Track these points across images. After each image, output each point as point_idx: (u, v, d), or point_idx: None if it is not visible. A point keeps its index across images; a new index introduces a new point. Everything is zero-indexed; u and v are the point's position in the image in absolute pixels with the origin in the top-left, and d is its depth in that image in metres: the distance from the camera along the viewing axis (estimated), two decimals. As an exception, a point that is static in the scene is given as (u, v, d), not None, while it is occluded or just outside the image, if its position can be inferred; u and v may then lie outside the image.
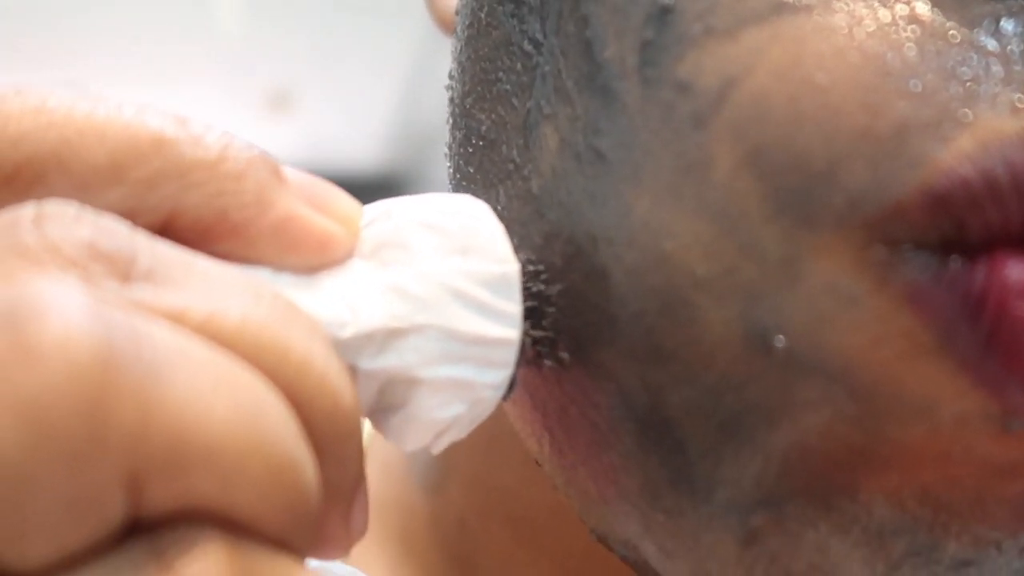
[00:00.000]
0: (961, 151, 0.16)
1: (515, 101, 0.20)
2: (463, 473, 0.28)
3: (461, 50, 0.23)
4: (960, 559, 0.18)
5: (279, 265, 0.17)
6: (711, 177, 0.17)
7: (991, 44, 0.16)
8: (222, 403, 0.13)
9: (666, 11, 0.18)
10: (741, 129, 0.17)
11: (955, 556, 0.18)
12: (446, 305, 0.17)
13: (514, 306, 0.18)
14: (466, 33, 0.22)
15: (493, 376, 0.18)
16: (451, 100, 0.23)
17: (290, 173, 0.17)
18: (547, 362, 0.20)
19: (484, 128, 0.21)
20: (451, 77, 0.23)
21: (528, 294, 0.19)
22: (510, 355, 0.18)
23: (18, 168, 0.15)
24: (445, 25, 0.29)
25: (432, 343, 0.17)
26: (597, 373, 0.19)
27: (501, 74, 0.21)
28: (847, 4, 0.17)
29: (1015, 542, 0.18)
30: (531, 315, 0.19)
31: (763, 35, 0.17)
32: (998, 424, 0.17)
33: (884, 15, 0.17)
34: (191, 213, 0.16)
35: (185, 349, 0.13)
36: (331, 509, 0.16)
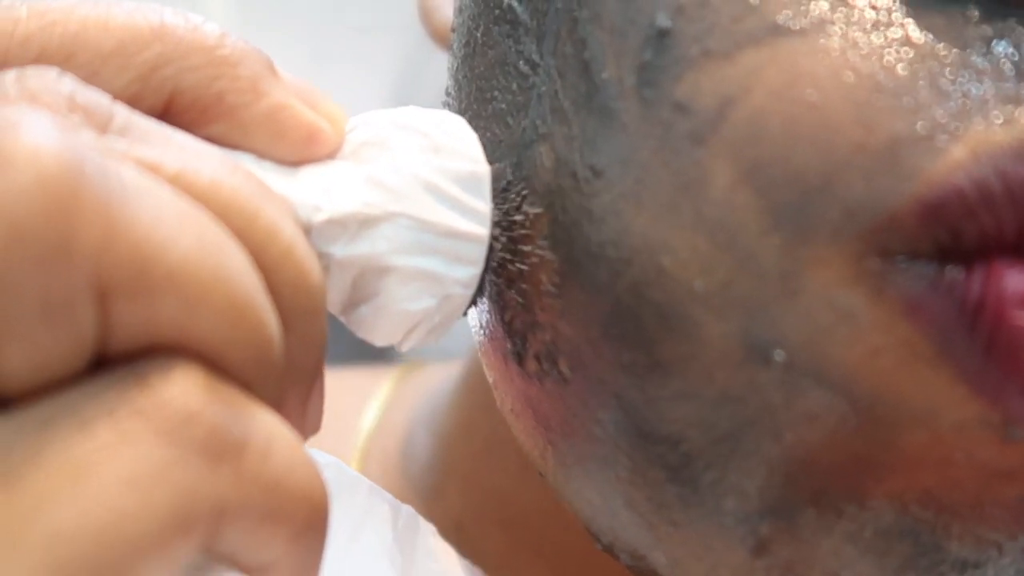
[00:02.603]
0: (954, 161, 0.16)
1: (510, 120, 0.20)
2: (460, 476, 0.28)
3: (458, 68, 0.23)
4: (963, 560, 0.18)
5: (266, 154, 0.18)
6: (709, 193, 0.17)
7: (982, 63, 0.17)
8: (187, 236, 0.14)
9: (664, 34, 0.18)
10: (739, 147, 0.17)
11: (958, 557, 0.18)
12: (418, 196, 0.18)
13: (484, 204, 0.19)
14: (462, 51, 0.22)
15: (462, 272, 0.19)
16: None
17: (283, 72, 0.18)
18: (549, 377, 0.20)
19: None
20: (447, 94, 0.23)
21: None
22: (479, 252, 0.19)
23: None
24: (440, 38, 0.29)
25: (404, 232, 0.18)
26: (599, 388, 0.19)
27: (496, 93, 0.21)
28: (841, 27, 0.17)
29: (1016, 544, 0.18)
30: (530, 327, 0.19)
31: (760, 57, 0.17)
32: (998, 432, 0.17)
33: (877, 38, 0.17)
34: (189, 94, 0.17)
35: (153, 187, 0.14)
36: (290, 388, 0.16)
